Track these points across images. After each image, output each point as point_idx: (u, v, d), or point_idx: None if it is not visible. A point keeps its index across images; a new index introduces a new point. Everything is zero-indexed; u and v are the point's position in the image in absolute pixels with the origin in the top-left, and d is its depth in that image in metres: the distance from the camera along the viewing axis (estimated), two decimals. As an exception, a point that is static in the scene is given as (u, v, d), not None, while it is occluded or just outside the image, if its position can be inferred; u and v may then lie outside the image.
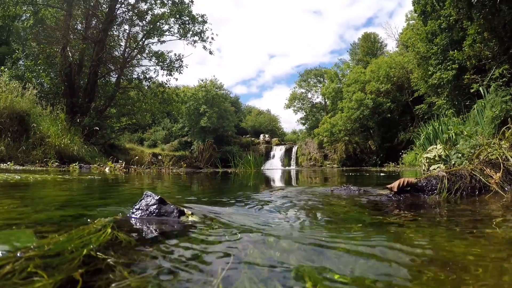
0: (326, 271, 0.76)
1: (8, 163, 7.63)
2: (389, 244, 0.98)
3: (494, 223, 1.28)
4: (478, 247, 0.97)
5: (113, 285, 0.66)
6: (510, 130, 2.50)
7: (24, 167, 7.21)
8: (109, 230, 1.00)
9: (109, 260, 0.78)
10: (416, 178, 2.09)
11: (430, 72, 17.17)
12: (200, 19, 19.94)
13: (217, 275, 0.72)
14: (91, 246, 0.85)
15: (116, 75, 19.22)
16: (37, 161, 8.57)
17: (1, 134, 8.68)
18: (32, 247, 0.84)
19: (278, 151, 40.30)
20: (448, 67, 15.61)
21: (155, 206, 1.27)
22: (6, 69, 14.41)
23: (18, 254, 0.79)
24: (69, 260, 0.77)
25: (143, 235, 1.06)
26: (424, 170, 6.02)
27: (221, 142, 40.37)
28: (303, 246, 0.96)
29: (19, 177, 3.57)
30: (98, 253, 0.82)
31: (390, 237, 1.09)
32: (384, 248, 0.93)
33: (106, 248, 0.88)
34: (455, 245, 0.98)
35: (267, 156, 38.79)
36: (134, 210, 1.28)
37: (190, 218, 1.27)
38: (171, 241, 0.99)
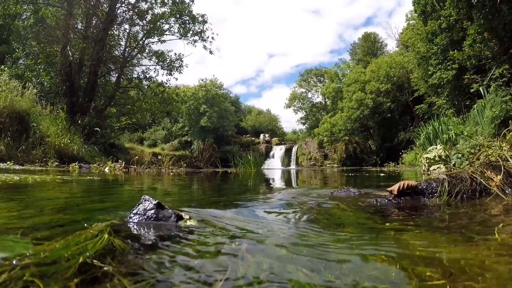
0: (325, 280, 0.75)
1: (7, 162, 7.62)
2: (389, 250, 0.97)
3: (495, 227, 1.27)
4: (478, 253, 0.96)
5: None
6: (511, 132, 2.49)
7: (23, 167, 7.20)
8: (106, 236, 0.99)
9: (105, 268, 0.77)
10: (417, 181, 2.08)
11: (430, 72, 17.15)
12: (200, 18, 19.94)
13: (213, 286, 0.72)
14: (87, 254, 0.84)
15: (116, 75, 19.22)
16: (37, 161, 8.56)
17: (0, 133, 8.67)
18: (28, 254, 0.83)
19: (278, 151, 40.30)
20: (448, 67, 15.59)
21: (153, 211, 1.26)
22: (6, 68, 14.39)
23: (14, 262, 0.78)
24: (65, 269, 0.76)
25: (140, 241, 1.05)
26: (424, 171, 6.02)
27: (221, 142, 40.39)
28: (302, 253, 0.95)
29: (18, 178, 3.57)
30: (94, 261, 0.81)
31: (390, 243, 1.08)
32: (384, 255, 0.92)
33: (103, 255, 0.87)
34: (455, 251, 0.97)
35: (267, 155, 38.80)
36: (132, 215, 1.27)
37: (188, 223, 1.26)
38: (168, 248, 0.98)
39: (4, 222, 1.25)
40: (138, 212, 1.27)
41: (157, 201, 1.30)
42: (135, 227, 1.21)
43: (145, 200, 1.31)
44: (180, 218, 1.27)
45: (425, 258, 0.91)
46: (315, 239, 1.11)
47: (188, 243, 1.04)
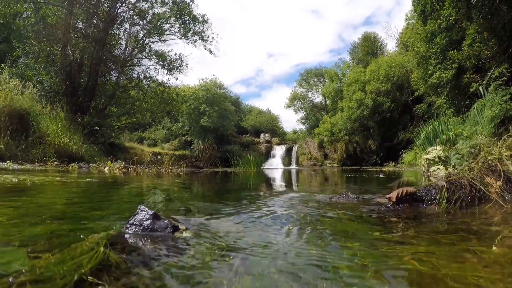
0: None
1: (7, 162, 7.62)
2: (384, 264, 0.96)
3: (492, 240, 1.27)
4: (476, 267, 0.96)
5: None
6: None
7: (23, 166, 7.19)
8: (101, 249, 0.98)
9: (100, 287, 0.77)
10: (415, 188, 2.08)
11: (429, 72, 17.13)
12: (200, 18, 19.91)
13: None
14: (83, 270, 0.84)
15: (117, 74, 19.19)
16: (37, 160, 8.56)
17: (0, 132, 8.67)
18: (24, 271, 0.83)
19: (278, 151, 40.27)
20: (448, 67, 15.57)
21: (149, 222, 1.26)
22: (7, 67, 14.38)
23: (11, 280, 0.77)
24: (61, 287, 0.76)
25: (136, 254, 1.05)
26: (424, 171, 6.03)
27: (222, 141, 40.35)
28: (299, 268, 0.94)
29: (16, 180, 3.56)
30: (89, 278, 0.81)
31: (386, 256, 1.07)
32: (378, 269, 0.92)
33: (99, 270, 0.87)
34: (451, 267, 0.97)
35: (267, 155, 38.77)
36: (128, 226, 1.27)
37: (184, 234, 1.26)
38: (164, 262, 0.98)
39: (2, 233, 1.25)
40: (134, 223, 1.27)
41: (153, 211, 1.30)
42: (131, 238, 1.20)
43: (141, 211, 1.30)
44: (176, 229, 1.27)
45: (421, 273, 0.91)
46: (311, 253, 1.11)
47: (183, 256, 1.04)
